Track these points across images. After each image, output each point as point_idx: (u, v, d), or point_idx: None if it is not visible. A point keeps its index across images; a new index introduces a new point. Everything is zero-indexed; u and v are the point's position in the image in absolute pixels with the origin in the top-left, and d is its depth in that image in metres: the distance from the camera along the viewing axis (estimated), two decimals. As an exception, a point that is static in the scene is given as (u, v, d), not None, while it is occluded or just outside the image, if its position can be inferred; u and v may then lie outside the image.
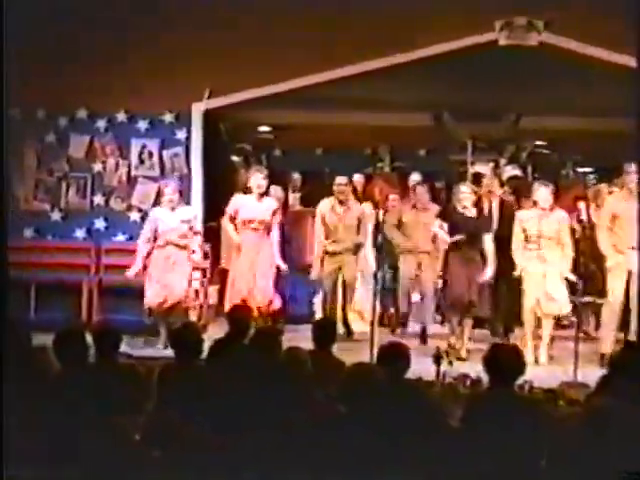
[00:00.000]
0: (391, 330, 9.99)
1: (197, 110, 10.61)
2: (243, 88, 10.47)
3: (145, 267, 9.08)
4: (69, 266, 10.47)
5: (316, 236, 9.75)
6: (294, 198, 12.72)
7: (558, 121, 11.68)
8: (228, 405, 5.00)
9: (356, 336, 9.51)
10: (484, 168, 11.21)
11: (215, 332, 7.84)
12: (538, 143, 13.57)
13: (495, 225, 9.38)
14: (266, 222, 9.29)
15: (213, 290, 10.46)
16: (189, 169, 10.65)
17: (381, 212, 9.48)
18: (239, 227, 9.30)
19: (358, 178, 11.44)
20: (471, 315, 8.93)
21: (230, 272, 9.38)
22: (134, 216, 10.63)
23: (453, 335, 8.97)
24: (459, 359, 8.40)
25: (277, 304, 9.41)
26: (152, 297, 9.00)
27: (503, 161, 12.35)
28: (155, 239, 9.11)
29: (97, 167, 10.76)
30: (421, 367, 6.61)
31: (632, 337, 8.30)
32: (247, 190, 9.53)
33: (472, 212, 8.95)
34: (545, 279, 8.73)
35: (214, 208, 10.44)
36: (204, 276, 10.30)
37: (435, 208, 9.59)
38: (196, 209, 10.02)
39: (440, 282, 9.21)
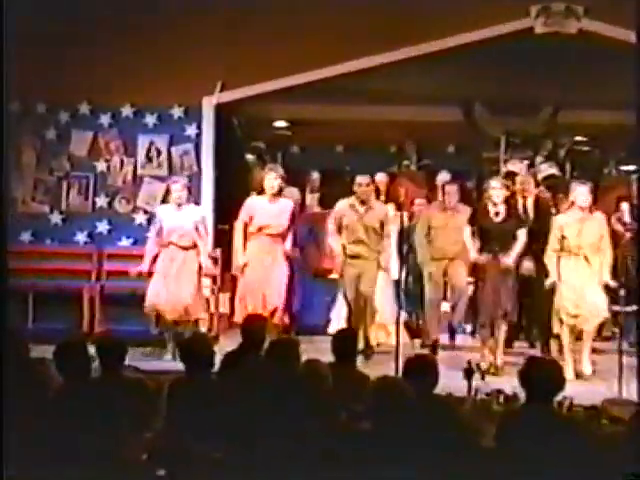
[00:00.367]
0: (421, 344, 9.92)
1: (208, 104, 10.64)
2: (258, 80, 10.49)
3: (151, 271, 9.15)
4: (69, 272, 10.50)
5: (328, 235, 9.55)
6: (312, 199, 12.73)
7: (599, 115, 11.66)
8: (242, 423, 5.01)
9: (381, 348, 9.49)
10: (518, 166, 11.18)
11: (227, 343, 7.85)
12: (577, 139, 13.53)
13: (530, 224, 9.36)
14: (282, 226, 9.30)
15: (224, 298, 10.46)
16: (199, 168, 10.68)
17: (405, 215, 9.41)
18: (253, 233, 9.31)
19: (381, 177, 11.42)
20: (504, 323, 8.92)
21: (239, 288, 9.40)
22: (140, 219, 10.67)
23: (485, 347, 8.96)
24: (492, 373, 8.39)
25: (291, 313, 9.44)
26: (153, 297, 9.06)
27: (539, 159, 12.32)
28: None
29: (100, 166, 10.80)
30: (451, 382, 6.60)
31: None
32: (262, 191, 9.54)
33: (502, 210, 8.92)
34: (583, 287, 8.72)
35: (226, 210, 10.46)
36: (214, 283, 10.31)
37: (466, 210, 9.53)
38: (205, 209, 10.04)
39: (471, 288, 9.20)
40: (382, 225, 9.37)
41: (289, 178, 9.97)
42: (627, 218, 10.00)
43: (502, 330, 8.94)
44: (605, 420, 6.87)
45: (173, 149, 10.73)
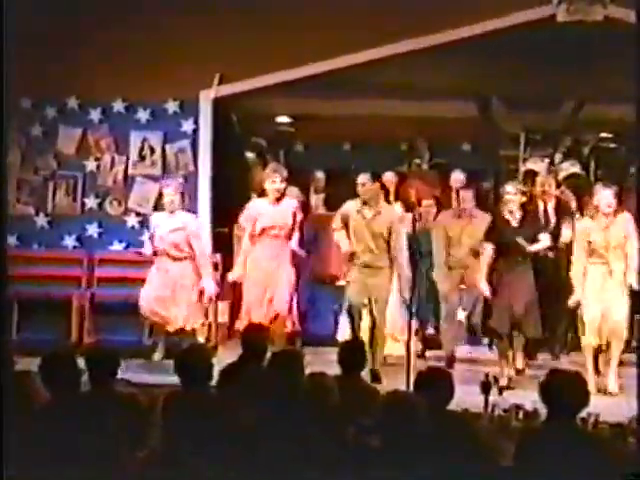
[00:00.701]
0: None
1: (206, 98, 10.66)
2: (259, 73, 10.51)
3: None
4: (57, 279, 10.52)
5: (334, 231, 9.54)
6: (317, 200, 12.73)
7: (625, 110, 11.63)
8: (242, 439, 5.01)
9: (392, 360, 9.49)
10: (539, 165, 11.20)
11: (227, 355, 7.86)
12: (602, 136, 13.53)
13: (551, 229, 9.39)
14: (287, 226, 9.34)
15: (224, 306, 10.47)
16: (196, 166, 10.70)
17: (414, 218, 9.41)
18: (257, 236, 9.34)
19: (390, 177, 11.40)
20: (521, 334, 8.94)
21: (244, 299, 9.42)
22: (131, 221, 10.69)
23: (503, 359, 8.98)
24: (509, 387, 8.40)
25: (296, 323, 9.47)
26: (147, 298, 9.16)
27: (560, 157, 12.32)
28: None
29: (90, 165, 10.82)
30: (467, 397, 6.60)
31: None
32: (262, 193, 9.56)
33: (517, 217, 8.96)
34: (610, 294, 8.73)
35: (224, 212, 10.47)
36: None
37: (482, 217, 9.52)
38: (201, 214, 10.09)
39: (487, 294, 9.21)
40: (390, 231, 9.22)
41: (292, 177, 9.99)
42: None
43: (519, 341, 8.97)
44: (631, 438, 6.86)
45: (168, 146, 10.75)
